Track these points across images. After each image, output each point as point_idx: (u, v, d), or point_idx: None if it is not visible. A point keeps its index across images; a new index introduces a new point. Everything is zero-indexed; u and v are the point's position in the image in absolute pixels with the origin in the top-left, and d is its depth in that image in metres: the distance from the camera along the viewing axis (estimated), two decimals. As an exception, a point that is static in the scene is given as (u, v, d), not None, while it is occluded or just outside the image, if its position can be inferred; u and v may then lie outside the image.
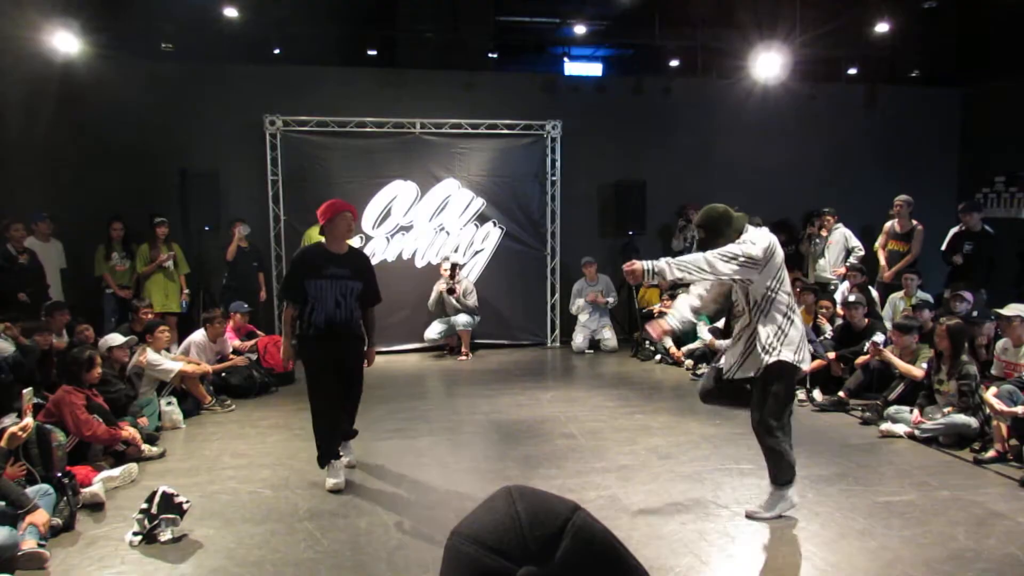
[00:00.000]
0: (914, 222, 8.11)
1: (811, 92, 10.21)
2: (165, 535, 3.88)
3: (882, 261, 8.43)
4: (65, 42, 7.87)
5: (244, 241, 8.51)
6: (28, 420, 4.08)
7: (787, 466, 4.03)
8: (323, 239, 4.74)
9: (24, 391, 4.21)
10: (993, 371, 5.92)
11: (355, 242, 8.86)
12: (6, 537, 3.50)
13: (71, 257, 8.16)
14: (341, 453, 4.82)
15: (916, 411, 5.71)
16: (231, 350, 7.34)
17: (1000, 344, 6.04)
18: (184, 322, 8.24)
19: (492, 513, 0.70)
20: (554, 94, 9.86)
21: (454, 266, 8.82)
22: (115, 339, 6.01)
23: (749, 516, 4.14)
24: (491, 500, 0.73)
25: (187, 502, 4.01)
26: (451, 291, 8.68)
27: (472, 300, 8.81)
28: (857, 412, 6.22)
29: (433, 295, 8.78)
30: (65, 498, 4.05)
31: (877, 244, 8.56)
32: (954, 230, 8.15)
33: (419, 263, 9.16)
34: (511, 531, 0.68)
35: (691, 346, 8.27)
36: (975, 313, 6.93)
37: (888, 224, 8.33)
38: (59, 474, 4.17)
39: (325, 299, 4.56)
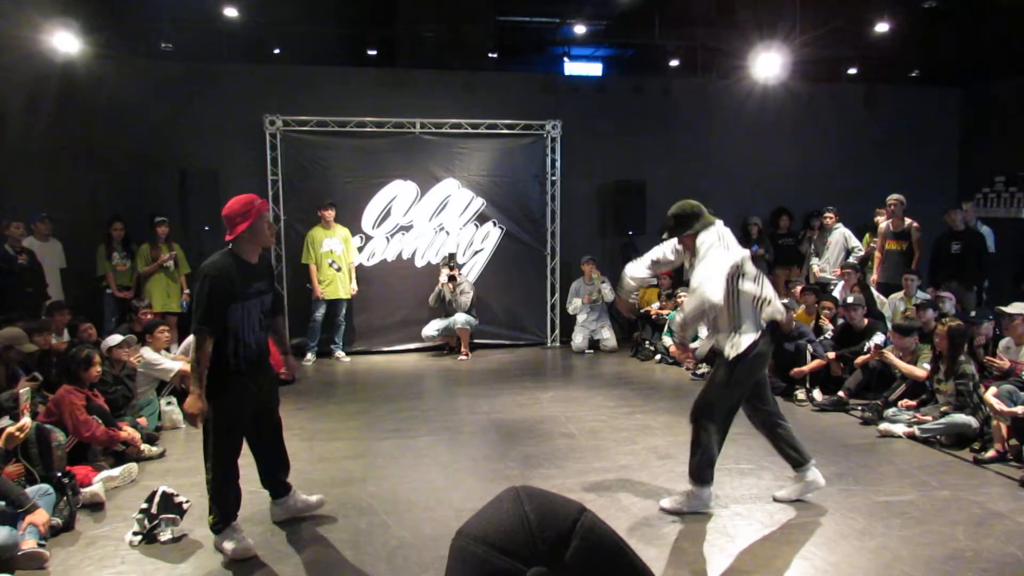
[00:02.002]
0: (907, 220, 8.11)
1: (811, 92, 10.21)
2: (165, 535, 3.88)
3: (875, 262, 8.43)
4: (65, 42, 7.88)
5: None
6: (26, 420, 4.08)
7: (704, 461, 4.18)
8: (232, 247, 3.69)
9: (22, 391, 4.21)
10: (995, 371, 5.92)
11: (354, 243, 8.87)
12: (6, 537, 3.49)
13: (71, 257, 8.16)
14: (283, 504, 4.15)
15: (915, 411, 5.72)
16: (231, 350, 7.33)
17: (1003, 343, 6.03)
18: (185, 322, 8.23)
19: (500, 513, 0.70)
20: (554, 94, 9.86)
21: (452, 256, 8.82)
22: (114, 339, 6.01)
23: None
24: (498, 500, 0.73)
25: (187, 502, 4.01)
26: (452, 279, 8.65)
27: (467, 299, 8.79)
28: (857, 412, 6.21)
29: (435, 290, 8.78)
30: (65, 498, 4.05)
31: (875, 245, 8.55)
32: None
33: (419, 263, 9.16)
34: (520, 532, 0.68)
35: (691, 345, 8.24)
36: (973, 313, 6.93)
37: (883, 225, 8.33)
38: (59, 474, 4.16)
39: (251, 325, 3.68)
